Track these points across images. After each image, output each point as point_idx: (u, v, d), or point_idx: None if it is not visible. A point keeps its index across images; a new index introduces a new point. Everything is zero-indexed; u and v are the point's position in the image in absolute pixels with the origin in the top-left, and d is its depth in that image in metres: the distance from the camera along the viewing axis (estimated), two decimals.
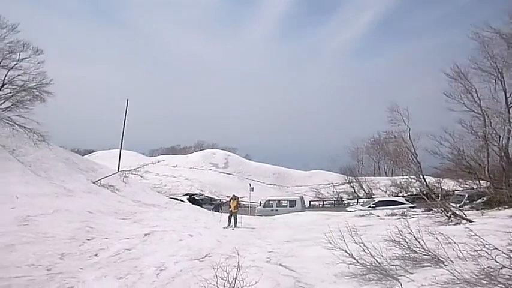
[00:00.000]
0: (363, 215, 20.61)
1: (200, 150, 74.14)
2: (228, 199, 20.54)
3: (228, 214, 17.11)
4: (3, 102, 28.70)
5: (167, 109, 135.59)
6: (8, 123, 20.10)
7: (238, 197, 18.34)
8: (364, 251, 7.72)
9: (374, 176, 56.79)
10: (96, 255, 9.36)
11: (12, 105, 28.91)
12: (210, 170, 59.57)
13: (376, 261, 7.53)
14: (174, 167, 57.12)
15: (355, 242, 7.96)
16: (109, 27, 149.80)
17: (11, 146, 18.82)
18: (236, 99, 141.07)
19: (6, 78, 28.71)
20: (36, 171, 17.84)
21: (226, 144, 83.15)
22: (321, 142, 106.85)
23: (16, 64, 28.77)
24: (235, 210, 17.06)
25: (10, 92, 28.79)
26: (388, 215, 19.44)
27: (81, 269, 8.16)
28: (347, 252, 7.80)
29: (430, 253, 7.63)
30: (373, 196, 37.94)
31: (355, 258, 7.73)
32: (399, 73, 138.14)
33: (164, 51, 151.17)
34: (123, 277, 7.95)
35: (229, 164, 62.40)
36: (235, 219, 16.86)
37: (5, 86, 28.85)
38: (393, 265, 7.75)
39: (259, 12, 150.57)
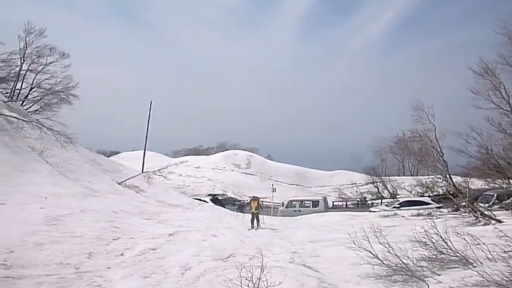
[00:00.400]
0: (387, 216, 20.33)
1: (222, 151, 74.50)
2: (249, 200, 20.53)
3: (250, 216, 17.11)
4: (32, 106, 29.70)
5: (190, 110, 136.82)
6: (37, 125, 20.67)
7: (258, 198, 18.34)
8: (389, 251, 7.61)
9: (398, 175, 55.84)
10: (122, 254, 9.53)
11: (40, 108, 29.91)
12: (233, 170, 59.81)
13: (402, 262, 7.40)
14: (197, 167, 57.56)
15: (380, 243, 7.86)
16: (132, 30, 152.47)
17: (39, 148, 19.31)
18: (257, 100, 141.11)
19: (34, 82, 29.75)
20: (63, 173, 18.27)
21: (248, 144, 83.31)
22: (343, 142, 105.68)
23: (43, 68, 29.81)
24: (257, 211, 17.05)
25: (38, 96, 29.80)
26: (414, 216, 19.10)
27: (108, 268, 8.32)
28: (372, 253, 7.70)
29: (458, 254, 7.46)
30: (397, 196, 37.36)
31: (380, 259, 7.63)
32: (423, 71, 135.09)
33: (186, 52, 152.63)
34: (149, 276, 8.07)
35: (252, 165, 62.51)
36: (258, 219, 16.87)
37: (33, 90, 29.90)
38: (420, 266, 7.62)
39: (280, 13, 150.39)
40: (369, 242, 7.88)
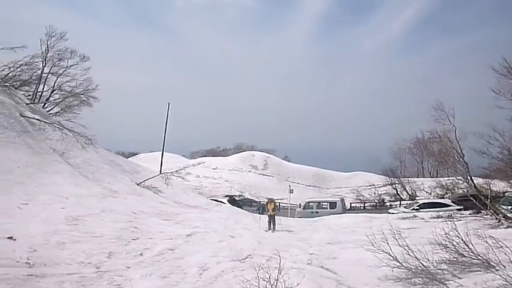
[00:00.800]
0: (406, 217, 20.06)
1: (239, 152, 74.72)
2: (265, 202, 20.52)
3: (268, 218, 17.06)
4: (53, 108, 30.39)
5: (207, 111, 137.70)
6: (58, 127, 21.18)
7: (274, 200, 18.34)
8: (408, 254, 7.50)
9: (417, 177, 55.02)
10: (141, 254, 9.63)
11: (61, 110, 30.61)
12: (250, 171, 59.90)
13: (422, 264, 7.30)
14: (214, 169, 57.86)
15: (399, 245, 7.75)
16: (149, 32, 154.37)
17: (60, 149, 19.74)
18: (274, 101, 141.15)
19: (55, 84, 30.44)
20: (84, 173, 18.61)
21: (265, 145, 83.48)
22: (361, 143, 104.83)
23: (64, 71, 30.48)
24: (274, 213, 17.03)
25: (59, 98, 30.49)
26: (433, 218, 18.79)
27: (128, 267, 8.42)
28: (391, 255, 7.60)
29: (479, 257, 7.31)
30: (416, 198, 36.81)
31: (399, 262, 7.53)
32: (443, 70, 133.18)
33: (203, 54, 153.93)
34: (167, 276, 8.13)
35: (269, 166, 62.50)
36: (274, 221, 16.83)
37: (55, 92, 30.58)
38: (440, 269, 7.49)
39: (297, 14, 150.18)
40: (388, 244, 7.78)
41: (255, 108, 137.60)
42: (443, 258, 7.82)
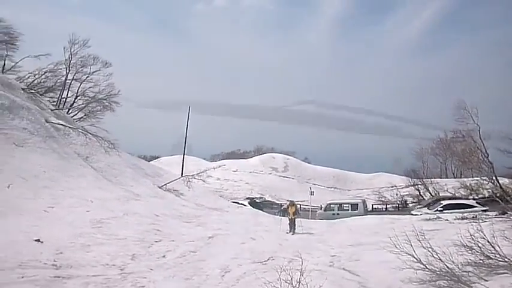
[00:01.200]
0: (430, 219, 19.71)
1: (259, 154, 74.62)
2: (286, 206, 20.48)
3: (289, 221, 17.03)
4: (77, 113, 31.11)
5: (226, 114, 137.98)
6: (82, 132, 21.70)
7: (295, 203, 18.29)
8: (432, 256, 7.37)
9: (441, 178, 53.85)
10: (164, 256, 9.78)
11: (84, 115, 31.32)
12: (270, 174, 59.81)
13: (447, 267, 7.16)
14: (235, 171, 57.92)
15: (423, 247, 7.61)
16: (168, 35, 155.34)
17: (84, 154, 20.19)
18: (292, 102, 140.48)
19: (79, 90, 31.19)
20: (107, 177, 18.97)
21: (284, 147, 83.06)
22: (383, 143, 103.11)
23: (87, 77, 31.21)
24: (295, 216, 16.99)
25: (83, 103, 31.24)
26: (458, 219, 18.41)
27: (151, 269, 8.56)
28: (414, 257, 7.48)
29: (506, 259, 7.13)
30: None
31: (423, 264, 7.40)
32: (467, 69, 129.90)
33: (222, 55, 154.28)
34: (190, 278, 8.24)
35: (289, 168, 62.26)
36: (294, 224, 16.80)
37: (78, 98, 31.33)
38: (465, 271, 7.33)
39: (316, 14, 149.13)
40: (411, 245, 7.66)
41: (274, 110, 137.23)
42: (469, 260, 7.65)
